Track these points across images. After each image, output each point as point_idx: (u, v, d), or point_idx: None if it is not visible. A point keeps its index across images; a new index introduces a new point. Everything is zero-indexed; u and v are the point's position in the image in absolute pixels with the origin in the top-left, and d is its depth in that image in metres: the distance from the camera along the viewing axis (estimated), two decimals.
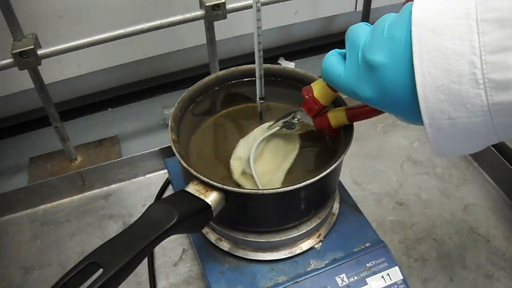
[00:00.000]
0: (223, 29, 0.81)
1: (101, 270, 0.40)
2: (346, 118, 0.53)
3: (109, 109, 0.94)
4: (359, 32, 0.44)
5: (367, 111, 0.52)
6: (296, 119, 0.58)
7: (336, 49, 0.48)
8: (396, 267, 0.57)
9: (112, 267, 0.40)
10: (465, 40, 0.35)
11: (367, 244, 0.59)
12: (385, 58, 0.39)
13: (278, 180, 0.56)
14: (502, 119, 0.35)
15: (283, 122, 0.58)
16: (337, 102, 0.57)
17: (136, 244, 0.43)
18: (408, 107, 0.39)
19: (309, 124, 0.57)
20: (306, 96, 0.53)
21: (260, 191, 0.49)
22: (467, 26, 0.35)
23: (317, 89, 0.53)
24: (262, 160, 0.58)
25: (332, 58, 0.47)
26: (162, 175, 0.79)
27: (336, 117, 0.54)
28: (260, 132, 0.60)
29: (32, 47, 0.63)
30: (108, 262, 0.41)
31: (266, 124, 0.60)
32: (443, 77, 0.36)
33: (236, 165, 0.57)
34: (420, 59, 0.37)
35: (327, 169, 0.50)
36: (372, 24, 0.43)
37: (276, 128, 0.58)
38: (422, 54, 0.36)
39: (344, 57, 0.46)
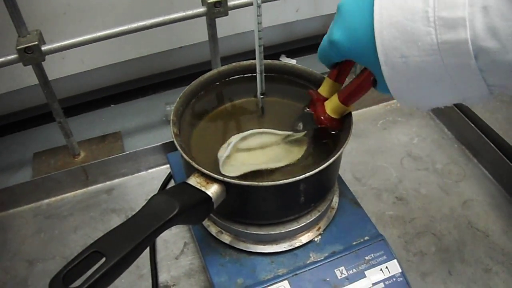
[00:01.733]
0: (225, 26, 0.82)
1: (103, 259, 0.41)
2: (338, 100, 0.54)
3: (112, 105, 0.95)
4: None
5: (354, 88, 0.52)
6: (301, 120, 0.59)
7: None
8: (395, 260, 0.57)
9: (115, 256, 0.41)
10: None
11: (366, 238, 0.59)
12: (349, 3, 0.43)
13: (246, 169, 0.56)
14: (452, 60, 0.36)
15: (292, 128, 0.59)
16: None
17: (138, 234, 0.44)
18: (370, 48, 0.40)
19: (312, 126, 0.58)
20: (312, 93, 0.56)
21: (260, 183, 0.50)
22: None
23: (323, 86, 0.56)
24: (250, 153, 0.59)
25: None
26: (164, 169, 0.80)
27: (331, 101, 0.55)
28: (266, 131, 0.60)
29: (36, 43, 0.64)
30: (111, 251, 0.41)
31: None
32: (398, 14, 0.37)
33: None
34: None
35: (326, 162, 0.51)
36: None
37: (286, 133, 0.59)
38: None
39: None
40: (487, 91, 0.38)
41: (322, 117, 0.56)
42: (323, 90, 0.57)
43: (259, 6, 0.55)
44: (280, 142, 0.59)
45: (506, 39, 0.33)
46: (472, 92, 0.39)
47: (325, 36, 0.49)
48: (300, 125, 0.59)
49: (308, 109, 0.58)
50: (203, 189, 0.50)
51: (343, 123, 0.56)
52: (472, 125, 0.78)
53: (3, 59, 0.64)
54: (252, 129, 0.60)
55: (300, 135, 0.58)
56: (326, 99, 0.56)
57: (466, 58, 0.35)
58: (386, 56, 0.39)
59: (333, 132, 0.57)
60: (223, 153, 0.56)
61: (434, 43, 0.36)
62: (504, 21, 0.33)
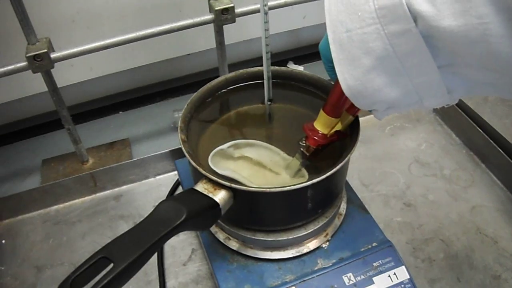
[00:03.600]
0: (232, 33, 0.82)
1: (111, 265, 0.41)
2: (324, 114, 0.52)
3: (120, 112, 0.96)
4: None
5: (334, 98, 0.50)
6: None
7: None
8: (403, 267, 0.57)
9: (123, 262, 0.41)
10: None
11: (374, 244, 0.59)
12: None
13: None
14: (391, 27, 0.36)
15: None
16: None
17: (146, 239, 0.44)
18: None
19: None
20: (315, 138, 0.54)
21: (267, 189, 0.50)
22: None
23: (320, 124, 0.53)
24: (255, 168, 0.59)
25: None
26: (172, 176, 0.80)
27: (318, 120, 0.53)
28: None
29: (45, 50, 0.64)
30: (119, 257, 0.42)
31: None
32: None
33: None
34: None
35: (333, 168, 0.51)
36: None
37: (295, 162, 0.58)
38: None
39: None
40: (443, 86, 0.38)
41: (315, 137, 0.54)
42: (318, 124, 0.54)
43: (266, 13, 0.55)
44: (282, 170, 0.58)
45: (440, 3, 0.33)
46: (427, 86, 0.38)
47: None
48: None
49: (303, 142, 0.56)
50: (210, 195, 0.50)
51: (351, 130, 0.56)
52: (480, 130, 0.78)
53: (12, 66, 0.64)
54: (257, 137, 0.60)
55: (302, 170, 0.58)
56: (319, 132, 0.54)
57: (405, 22, 0.35)
58: (334, 33, 0.39)
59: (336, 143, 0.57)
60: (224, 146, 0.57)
61: (372, 11, 0.36)
62: None
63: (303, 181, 0.54)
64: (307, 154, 0.55)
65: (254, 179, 0.57)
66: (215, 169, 0.55)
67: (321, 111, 0.53)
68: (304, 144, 0.55)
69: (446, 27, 0.33)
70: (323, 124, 0.54)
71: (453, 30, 0.33)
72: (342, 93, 0.43)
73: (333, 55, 0.40)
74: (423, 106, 0.41)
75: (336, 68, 0.41)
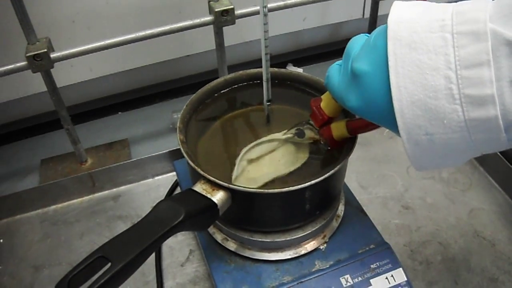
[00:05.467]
0: (232, 35, 0.83)
1: (109, 264, 0.41)
2: (346, 130, 0.54)
3: (120, 113, 0.96)
4: (356, 42, 0.43)
5: (365, 124, 0.52)
6: (306, 127, 0.58)
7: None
8: (400, 269, 0.57)
9: (120, 261, 0.41)
10: (440, 54, 0.34)
11: (371, 246, 0.59)
12: (367, 66, 0.39)
13: (262, 180, 0.56)
14: (480, 135, 0.35)
15: (296, 130, 0.58)
16: (347, 114, 0.57)
17: (143, 239, 0.44)
18: (390, 117, 0.38)
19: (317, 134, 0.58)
20: (314, 107, 0.54)
21: (265, 190, 0.50)
22: (443, 39, 0.34)
23: (325, 100, 0.53)
24: (258, 164, 0.59)
25: (333, 68, 0.47)
26: (170, 177, 0.80)
27: (337, 128, 0.54)
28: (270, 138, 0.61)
29: (45, 50, 0.64)
30: (116, 257, 0.42)
31: (281, 133, 0.60)
32: (419, 92, 0.35)
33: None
34: (396, 74, 0.36)
35: (331, 170, 0.51)
36: None
37: (288, 136, 0.59)
38: (398, 68, 0.36)
39: None
40: (508, 146, 0.37)
41: (327, 139, 0.55)
42: (326, 106, 0.54)
43: (265, 15, 0.55)
44: (283, 144, 0.60)
45: None
46: (492, 150, 0.37)
47: (334, 70, 0.47)
48: (303, 133, 0.58)
49: (310, 123, 0.57)
50: (208, 195, 0.50)
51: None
52: None
53: (12, 66, 0.65)
54: (256, 138, 0.61)
55: (304, 140, 0.59)
56: (328, 116, 0.54)
57: (496, 132, 0.34)
58: (409, 134, 0.37)
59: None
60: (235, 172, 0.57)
61: (461, 120, 0.34)
62: None
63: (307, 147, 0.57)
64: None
65: (269, 167, 0.58)
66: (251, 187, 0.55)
67: (343, 128, 0.54)
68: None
69: None
70: (338, 135, 0.55)
71: None
72: (374, 127, 0.49)
73: (408, 151, 0.39)
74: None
75: (410, 157, 0.40)
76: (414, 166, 0.42)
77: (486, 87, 0.33)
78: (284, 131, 0.60)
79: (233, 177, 0.57)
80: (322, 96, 0.54)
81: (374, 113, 0.41)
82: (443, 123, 0.35)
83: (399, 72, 0.36)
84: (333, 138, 0.55)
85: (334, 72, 0.46)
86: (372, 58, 0.39)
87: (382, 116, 0.40)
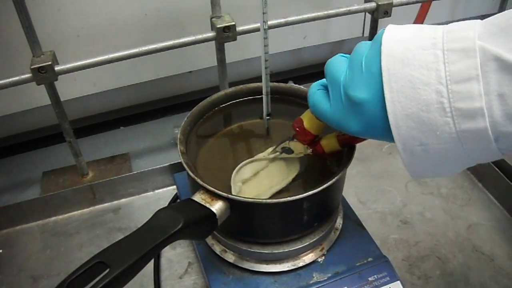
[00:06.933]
0: (234, 52, 0.84)
1: (107, 270, 0.41)
2: (338, 144, 0.55)
3: (122, 127, 0.97)
4: (338, 67, 0.44)
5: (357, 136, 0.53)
6: (291, 143, 0.59)
7: (318, 82, 0.49)
8: (398, 282, 0.57)
9: (118, 267, 0.42)
10: (432, 70, 0.36)
11: (369, 259, 0.59)
12: (367, 94, 0.40)
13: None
14: (472, 145, 0.36)
15: (281, 148, 0.59)
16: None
17: (142, 246, 0.44)
18: (389, 133, 0.39)
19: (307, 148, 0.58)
20: (297, 128, 0.55)
21: (263, 200, 0.51)
22: (434, 55, 0.36)
23: (307, 120, 0.54)
24: (253, 182, 0.59)
25: (317, 94, 0.48)
26: (170, 190, 0.80)
27: (328, 144, 0.55)
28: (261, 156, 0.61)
29: (50, 63, 0.66)
30: (115, 262, 0.42)
31: (270, 149, 0.61)
32: (412, 106, 0.37)
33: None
34: (390, 89, 0.38)
35: (329, 181, 0.52)
36: (348, 54, 0.45)
37: (275, 155, 0.60)
38: (392, 84, 0.38)
39: (327, 89, 0.47)
40: (500, 156, 0.38)
41: (320, 154, 0.56)
42: (310, 126, 0.54)
43: (265, 29, 0.57)
44: (273, 160, 0.60)
45: None
46: (486, 159, 0.39)
47: (319, 96, 0.48)
48: (290, 150, 0.59)
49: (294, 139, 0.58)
50: (207, 205, 0.51)
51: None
52: None
53: (17, 78, 0.66)
54: (255, 151, 0.62)
55: (294, 155, 0.59)
56: (314, 135, 0.55)
57: (486, 143, 0.36)
58: (404, 145, 0.39)
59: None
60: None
61: (453, 132, 0.36)
62: None
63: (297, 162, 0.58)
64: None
65: (262, 184, 0.59)
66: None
67: (335, 142, 0.54)
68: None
69: None
70: (329, 149, 0.56)
71: None
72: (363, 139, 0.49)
73: (404, 160, 0.41)
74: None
75: (406, 166, 0.41)
76: (410, 174, 0.43)
77: (476, 101, 0.35)
78: (270, 150, 0.60)
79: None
80: (301, 116, 0.55)
81: (376, 133, 0.42)
82: (436, 135, 0.37)
83: (393, 87, 0.38)
84: (325, 152, 0.56)
85: (320, 98, 0.47)
86: (369, 84, 0.40)
87: (382, 134, 0.41)
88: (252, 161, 0.61)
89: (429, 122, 0.37)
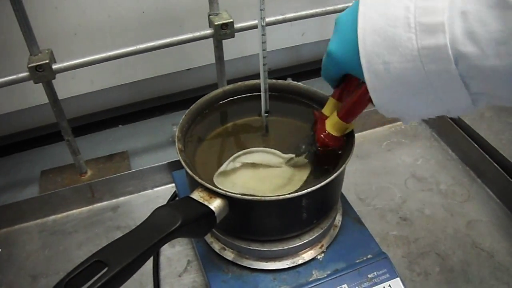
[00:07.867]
0: (232, 49, 0.84)
1: (106, 268, 0.41)
2: (338, 118, 0.54)
3: (120, 126, 0.97)
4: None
5: (353, 102, 0.52)
6: (303, 147, 0.59)
7: None
8: (398, 278, 0.57)
9: (117, 266, 0.42)
10: None
11: (369, 256, 0.59)
12: (345, 16, 0.44)
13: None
14: (432, 66, 0.37)
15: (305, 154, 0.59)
16: None
17: (140, 244, 0.44)
18: (357, 56, 0.41)
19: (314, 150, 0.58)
20: (322, 136, 0.56)
21: (262, 197, 0.51)
22: None
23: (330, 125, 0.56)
24: (257, 174, 0.59)
25: None
26: (169, 188, 0.80)
27: (331, 120, 0.55)
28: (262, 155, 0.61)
29: (47, 61, 0.65)
30: (113, 261, 0.42)
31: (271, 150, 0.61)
32: (381, 21, 0.39)
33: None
34: (364, 5, 0.40)
35: (328, 178, 0.52)
36: None
37: (290, 156, 0.59)
38: (366, 0, 0.40)
39: None
40: (469, 101, 0.39)
41: (322, 135, 0.56)
42: (327, 110, 0.58)
43: (263, 26, 0.56)
44: (283, 164, 0.60)
45: (485, 44, 0.34)
46: (455, 102, 0.39)
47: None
48: (303, 147, 0.59)
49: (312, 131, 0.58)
50: (206, 203, 0.51)
51: (346, 142, 0.57)
52: (477, 146, 0.79)
53: (14, 76, 0.65)
54: (256, 147, 0.61)
55: (302, 159, 0.59)
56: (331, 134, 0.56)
57: (446, 63, 0.36)
58: (369, 63, 0.40)
59: (337, 151, 0.58)
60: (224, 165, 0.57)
61: (415, 49, 0.37)
62: (483, 26, 0.34)
63: (306, 171, 0.58)
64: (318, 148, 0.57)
65: (257, 181, 0.58)
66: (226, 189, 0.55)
67: (335, 114, 0.54)
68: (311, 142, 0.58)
69: (490, 66, 0.35)
70: (335, 128, 0.55)
71: (497, 69, 0.35)
72: (361, 101, 0.50)
73: (368, 82, 0.41)
74: (449, 115, 0.43)
75: (370, 91, 0.42)
76: (376, 105, 0.44)
77: (438, 15, 0.36)
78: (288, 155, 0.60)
79: (219, 170, 0.57)
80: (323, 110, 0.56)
81: (347, 53, 0.44)
82: (398, 51, 0.38)
83: (367, 2, 0.40)
84: (328, 132, 0.55)
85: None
86: (350, 9, 0.44)
87: (352, 56, 0.42)
88: (265, 152, 0.60)
89: (394, 38, 0.38)
